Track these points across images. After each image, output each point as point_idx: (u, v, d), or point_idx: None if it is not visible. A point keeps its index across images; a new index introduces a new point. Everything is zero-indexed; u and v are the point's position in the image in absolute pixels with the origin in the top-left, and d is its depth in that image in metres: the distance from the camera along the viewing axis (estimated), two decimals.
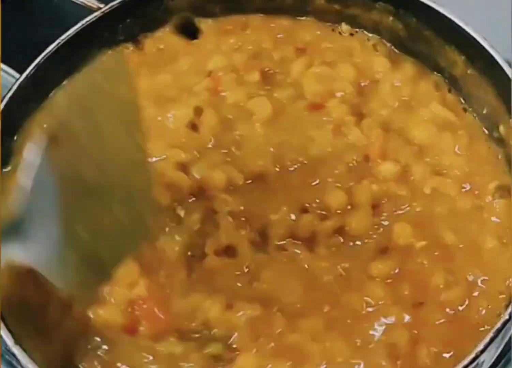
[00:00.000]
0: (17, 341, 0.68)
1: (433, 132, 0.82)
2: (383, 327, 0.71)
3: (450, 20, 0.82)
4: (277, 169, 0.80)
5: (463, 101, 0.85)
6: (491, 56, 0.79)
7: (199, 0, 0.91)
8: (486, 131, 0.82)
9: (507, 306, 0.68)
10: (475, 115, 0.84)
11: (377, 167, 0.79)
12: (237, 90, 0.85)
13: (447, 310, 0.72)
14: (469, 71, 0.84)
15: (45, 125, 0.61)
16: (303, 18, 0.92)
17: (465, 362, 0.65)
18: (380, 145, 0.80)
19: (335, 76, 0.86)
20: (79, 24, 0.85)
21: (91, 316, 0.71)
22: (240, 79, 0.86)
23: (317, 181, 0.79)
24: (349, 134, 0.81)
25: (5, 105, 0.80)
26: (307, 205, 0.77)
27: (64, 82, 0.84)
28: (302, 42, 0.90)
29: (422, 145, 0.81)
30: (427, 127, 0.82)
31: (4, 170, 0.79)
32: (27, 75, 0.82)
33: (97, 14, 0.87)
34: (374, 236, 0.76)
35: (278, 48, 0.89)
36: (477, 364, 0.65)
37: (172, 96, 0.85)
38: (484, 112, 0.83)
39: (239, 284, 0.73)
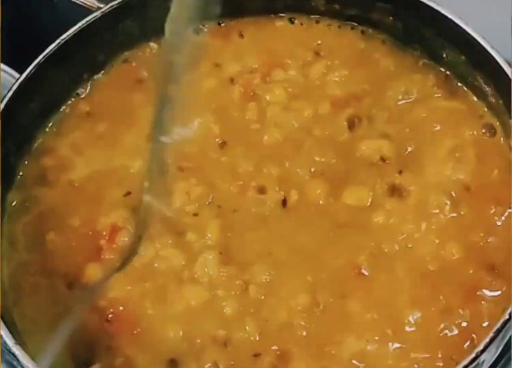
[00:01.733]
0: (17, 341, 0.68)
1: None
2: None
3: (450, 20, 0.82)
4: None
5: None
6: (491, 56, 0.79)
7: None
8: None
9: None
10: None
11: None
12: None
13: None
14: (469, 71, 0.84)
15: None
16: (303, 18, 0.92)
17: (465, 362, 0.65)
18: None
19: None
20: (79, 24, 0.85)
21: None
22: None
23: None
24: None
25: (5, 105, 0.80)
26: None
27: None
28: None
29: None
30: None
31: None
32: (27, 75, 0.82)
33: (97, 14, 0.86)
34: None
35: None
36: (477, 364, 0.65)
37: None
38: None
39: None
